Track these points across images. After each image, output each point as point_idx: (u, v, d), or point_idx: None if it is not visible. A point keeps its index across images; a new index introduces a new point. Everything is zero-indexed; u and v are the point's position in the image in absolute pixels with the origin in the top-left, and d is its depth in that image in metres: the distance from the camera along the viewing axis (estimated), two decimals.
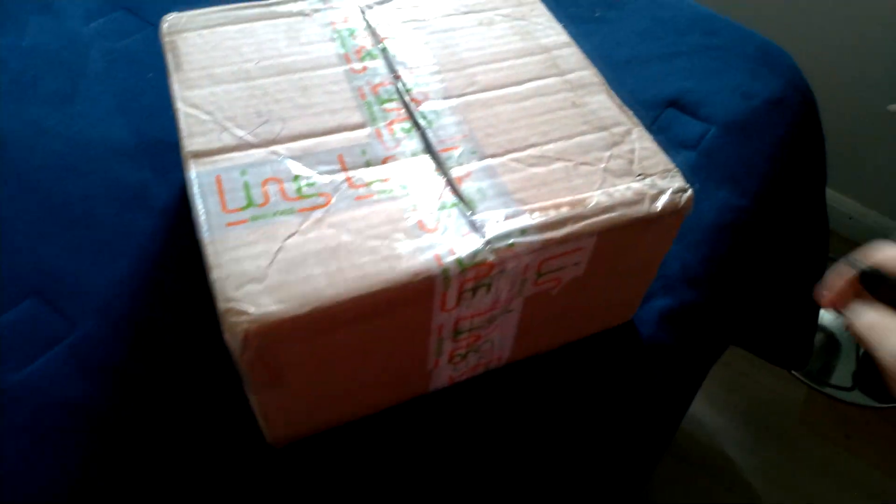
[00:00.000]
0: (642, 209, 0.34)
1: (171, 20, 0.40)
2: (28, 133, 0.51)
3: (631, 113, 0.39)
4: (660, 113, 0.56)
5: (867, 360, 0.97)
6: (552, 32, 0.43)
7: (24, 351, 0.40)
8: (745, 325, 0.64)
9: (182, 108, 0.36)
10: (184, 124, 0.35)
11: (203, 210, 0.32)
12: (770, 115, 0.56)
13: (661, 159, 0.36)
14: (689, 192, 0.35)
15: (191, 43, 0.39)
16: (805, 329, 0.67)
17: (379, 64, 0.40)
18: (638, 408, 0.42)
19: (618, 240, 0.35)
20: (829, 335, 1.03)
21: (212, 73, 0.38)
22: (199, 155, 0.34)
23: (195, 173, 0.33)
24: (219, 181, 0.33)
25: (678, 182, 0.35)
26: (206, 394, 0.39)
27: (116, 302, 0.42)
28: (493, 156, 0.36)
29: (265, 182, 0.33)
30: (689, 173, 0.52)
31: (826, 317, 1.02)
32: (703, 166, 0.53)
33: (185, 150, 0.34)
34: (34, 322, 0.41)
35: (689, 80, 0.59)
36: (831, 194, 1.16)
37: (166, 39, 0.39)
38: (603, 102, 0.39)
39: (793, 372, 1.00)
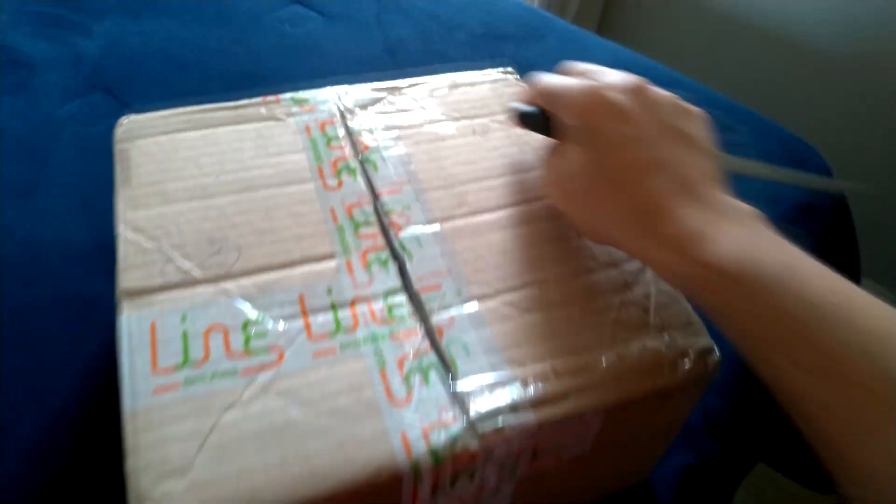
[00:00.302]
0: (661, 379, 0.28)
1: (126, 124, 0.36)
2: None
3: None
4: None
5: None
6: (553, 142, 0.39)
7: None
8: (773, 448, 0.57)
9: (123, 234, 0.31)
10: (122, 253, 0.30)
11: (128, 370, 0.26)
12: (799, 223, 0.51)
13: (681, 308, 0.31)
14: (717, 355, 0.29)
15: (144, 151, 0.35)
16: None
17: (357, 180, 0.35)
18: None
19: (630, 414, 0.29)
20: None
21: (163, 189, 0.33)
22: (134, 294, 0.29)
23: (126, 319, 0.28)
24: (153, 330, 0.28)
25: (703, 340, 0.30)
26: None
27: (38, 448, 0.36)
28: (481, 297, 0.30)
29: (208, 331, 0.28)
30: None
31: None
32: None
33: (118, 288, 0.29)
34: None
35: None
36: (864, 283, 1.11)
37: (118, 147, 0.35)
38: None
39: None
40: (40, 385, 0.39)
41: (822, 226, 0.53)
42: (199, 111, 0.37)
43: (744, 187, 0.55)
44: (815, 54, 0.99)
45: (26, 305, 0.42)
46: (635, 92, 0.30)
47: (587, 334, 0.29)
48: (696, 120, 0.31)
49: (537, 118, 0.34)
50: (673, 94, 0.32)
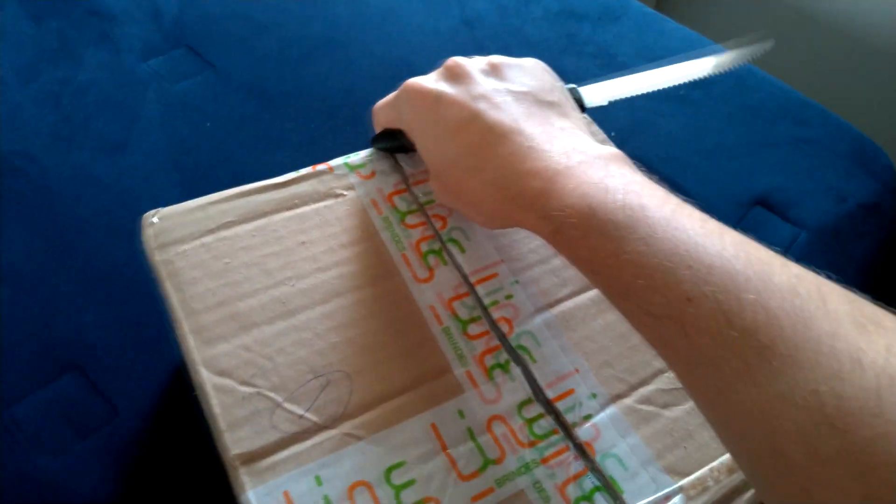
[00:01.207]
0: None
1: (157, 224, 0.30)
2: (76, 181, 0.46)
3: None
4: (747, 211, 0.52)
5: None
6: None
7: (59, 435, 0.36)
8: None
9: (208, 380, 0.27)
10: (217, 408, 0.26)
11: None
12: (864, 221, 0.53)
13: None
14: None
15: (193, 262, 0.29)
16: None
17: (447, 265, 0.32)
18: None
19: None
20: None
21: (235, 311, 0.29)
22: (251, 459, 0.25)
23: (253, 495, 0.25)
24: (289, 502, 0.25)
25: None
26: None
27: (160, 391, 0.37)
28: (617, 397, 0.29)
29: (352, 491, 0.25)
30: None
31: None
32: None
33: (228, 454, 0.25)
34: (73, 402, 0.37)
35: (779, 176, 0.55)
36: None
37: (157, 259, 0.29)
38: None
39: None
40: (148, 334, 0.39)
41: (888, 229, 0.55)
42: (242, 195, 0.32)
43: (807, 181, 0.58)
44: (888, 54, 0.99)
45: (127, 260, 0.41)
46: (447, 70, 0.30)
47: None
48: (530, 72, 0.31)
49: (388, 139, 0.34)
50: (493, 56, 0.32)
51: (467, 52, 0.63)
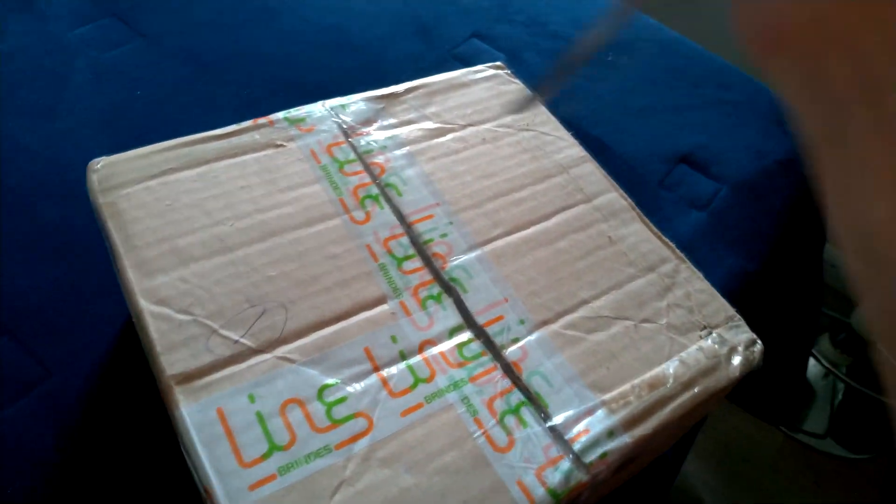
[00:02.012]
0: (721, 377, 0.31)
1: (101, 169, 0.32)
2: (3, 149, 0.46)
3: (670, 243, 0.36)
4: (671, 168, 0.55)
5: (842, 410, 1.04)
6: (564, 144, 0.39)
7: None
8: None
9: (146, 308, 0.28)
10: (154, 333, 0.27)
11: (212, 470, 0.24)
12: (780, 175, 0.56)
13: (719, 304, 0.34)
14: (760, 346, 0.33)
15: (137, 202, 0.31)
16: (794, 385, 0.69)
17: (384, 208, 0.34)
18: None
19: (695, 410, 0.32)
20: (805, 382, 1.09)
21: (176, 246, 0.30)
22: (184, 379, 0.26)
23: (187, 411, 0.26)
24: (223, 417, 0.26)
25: (745, 333, 0.33)
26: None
27: (94, 348, 0.38)
28: (544, 323, 0.31)
29: (283, 407, 0.27)
30: (700, 236, 0.52)
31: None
32: (713, 229, 0.52)
33: (164, 374, 0.26)
34: (5, 365, 0.37)
35: (703, 135, 0.58)
36: None
37: (102, 201, 0.31)
38: (640, 233, 0.36)
39: None
40: (83, 295, 0.40)
41: (800, 183, 0.59)
42: (185, 144, 0.33)
43: (729, 140, 0.61)
44: None
45: (59, 223, 0.43)
46: None
47: (649, 346, 0.31)
48: None
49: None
50: None
51: (403, 21, 0.66)
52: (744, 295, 0.51)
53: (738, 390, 0.70)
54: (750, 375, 0.32)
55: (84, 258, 0.41)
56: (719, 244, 0.52)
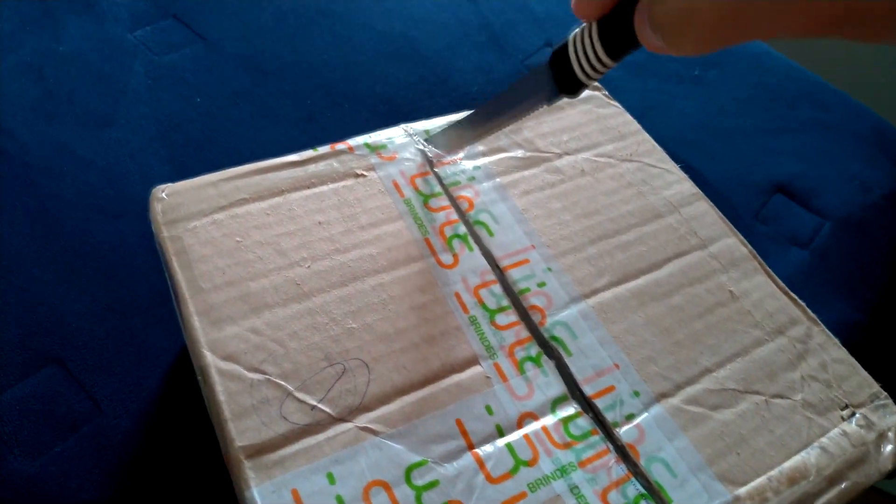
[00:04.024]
0: (871, 471, 0.26)
1: (167, 199, 0.29)
2: (58, 159, 0.44)
3: (799, 301, 0.32)
4: (767, 199, 0.51)
5: None
6: (672, 178, 0.35)
7: (38, 435, 0.33)
8: None
9: (213, 365, 0.25)
10: (223, 395, 0.24)
11: None
12: (888, 212, 0.51)
13: (861, 378, 0.29)
14: None
15: (203, 239, 0.28)
16: None
17: (473, 250, 0.30)
18: None
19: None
20: None
21: (246, 291, 0.27)
22: (257, 452, 0.23)
23: (257, 492, 0.23)
24: (298, 501, 0.23)
25: (894, 415, 0.28)
26: None
27: (145, 383, 0.35)
28: (662, 396, 0.27)
29: (367, 491, 0.23)
30: (802, 279, 0.47)
31: None
32: (818, 270, 0.47)
33: (233, 445, 0.23)
34: (53, 398, 0.35)
35: (801, 162, 0.53)
36: None
37: (165, 235, 0.28)
38: (764, 287, 0.32)
39: None
40: (133, 322, 0.37)
41: None
42: (256, 172, 0.30)
43: (830, 168, 0.56)
44: None
45: (112, 241, 0.40)
46: None
47: (784, 428, 0.27)
48: None
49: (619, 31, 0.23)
50: None
51: (471, 29, 0.62)
52: (853, 348, 0.46)
53: None
54: None
55: (138, 281, 0.38)
56: (824, 289, 0.47)
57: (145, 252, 0.39)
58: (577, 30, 0.24)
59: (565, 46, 0.24)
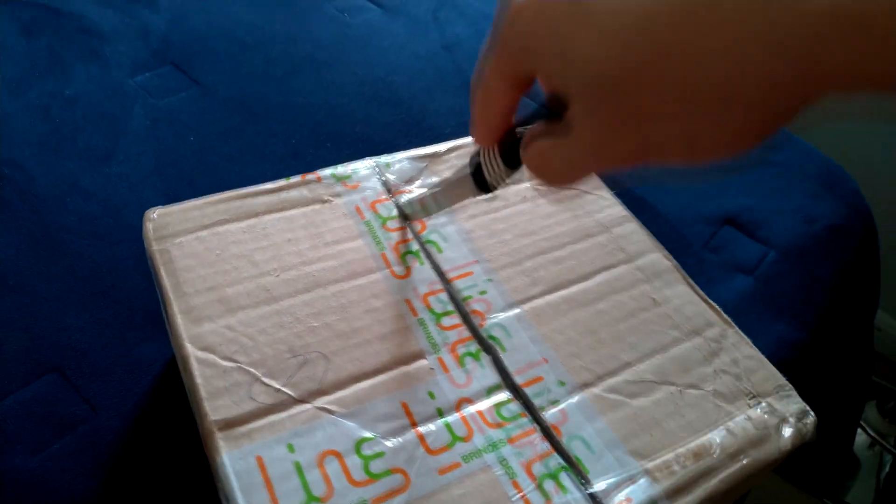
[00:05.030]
0: (771, 449, 0.31)
1: (157, 218, 0.34)
2: (62, 190, 0.50)
3: (716, 306, 0.36)
4: (717, 230, 0.56)
5: (889, 483, 0.99)
6: (605, 203, 0.40)
7: (38, 434, 0.38)
8: None
9: (192, 354, 0.30)
10: (199, 379, 0.29)
11: None
12: (831, 242, 0.56)
13: (768, 372, 0.34)
14: (812, 417, 0.32)
15: (188, 251, 0.33)
16: (841, 456, 0.67)
17: (424, 264, 0.35)
18: None
19: (743, 482, 0.31)
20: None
21: (223, 295, 0.32)
22: (228, 425, 0.28)
23: (228, 458, 0.27)
24: (262, 465, 0.27)
25: (797, 404, 0.33)
26: None
27: (136, 389, 0.40)
28: (585, 386, 0.32)
29: (321, 458, 0.27)
30: (746, 302, 0.52)
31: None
32: (761, 295, 0.52)
33: (207, 419, 0.28)
34: (52, 402, 0.39)
35: (749, 196, 0.59)
36: None
37: (155, 248, 0.33)
38: (685, 295, 0.36)
39: None
40: (126, 336, 0.42)
41: (852, 250, 0.59)
42: (236, 197, 0.36)
43: (776, 203, 0.61)
44: None
45: (110, 264, 0.45)
46: None
47: (695, 414, 0.31)
48: None
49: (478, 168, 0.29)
50: None
51: (446, 74, 0.69)
52: (792, 364, 0.50)
53: (785, 461, 0.68)
54: (801, 448, 0.32)
55: (131, 300, 0.43)
56: (766, 312, 0.52)
57: (139, 275, 0.44)
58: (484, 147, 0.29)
59: (478, 158, 0.29)
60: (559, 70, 0.20)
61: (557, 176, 0.24)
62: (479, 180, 0.29)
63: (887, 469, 0.98)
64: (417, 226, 0.37)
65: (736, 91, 0.17)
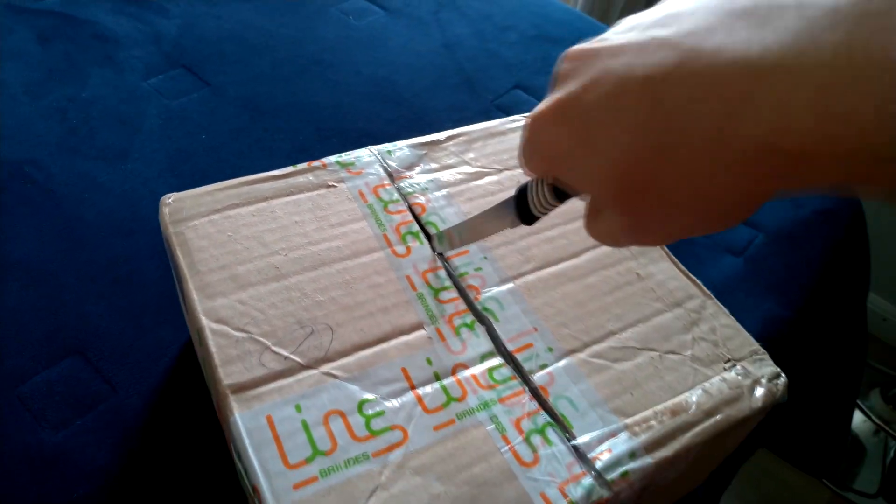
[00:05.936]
0: (744, 407, 0.33)
1: (172, 203, 0.37)
2: (80, 187, 0.54)
3: (697, 281, 0.39)
4: None
5: (893, 469, 1.01)
6: None
7: (61, 412, 0.41)
8: (777, 430, 0.65)
9: (207, 326, 0.33)
10: (213, 347, 0.32)
11: (261, 470, 0.28)
12: (819, 225, 0.59)
13: (744, 339, 0.36)
14: (784, 379, 0.35)
15: (202, 234, 0.36)
16: (838, 436, 0.69)
17: (423, 244, 0.38)
18: None
19: (718, 440, 0.34)
20: (855, 438, 1.07)
21: (235, 273, 0.35)
22: (239, 389, 0.31)
23: (240, 417, 0.30)
24: (271, 424, 0.30)
25: (769, 367, 0.35)
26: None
27: (154, 370, 0.43)
28: (572, 352, 0.34)
29: (326, 417, 0.30)
30: (734, 281, 0.55)
31: (853, 420, 1.06)
32: (749, 275, 0.55)
33: (220, 384, 0.31)
34: (75, 382, 0.42)
35: None
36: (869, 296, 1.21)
37: (172, 231, 0.36)
38: (668, 271, 0.39)
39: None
40: (144, 321, 0.45)
41: (840, 233, 0.61)
42: (246, 183, 0.39)
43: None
44: None
45: (127, 254, 0.49)
46: (571, 60, 0.24)
47: (673, 376, 0.34)
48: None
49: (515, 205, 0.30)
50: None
51: (447, 73, 0.73)
52: (780, 341, 0.52)
53: (783, 442, 0.70)
54: (775, 410, 0.34)
55: (148, 288, 0.47)
56: (754, 291, 0.54)
57: (155, 264, 0.48)
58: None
59: (525, 189, 0.29)
60: (577, 184, 0.25)
61: (607, 243, 0.28)
62: (523, 209, 0.29)
63: (892, 454, 1.00)
64: (417, 209, 0.39)
65: (711, 199, 0.21)
